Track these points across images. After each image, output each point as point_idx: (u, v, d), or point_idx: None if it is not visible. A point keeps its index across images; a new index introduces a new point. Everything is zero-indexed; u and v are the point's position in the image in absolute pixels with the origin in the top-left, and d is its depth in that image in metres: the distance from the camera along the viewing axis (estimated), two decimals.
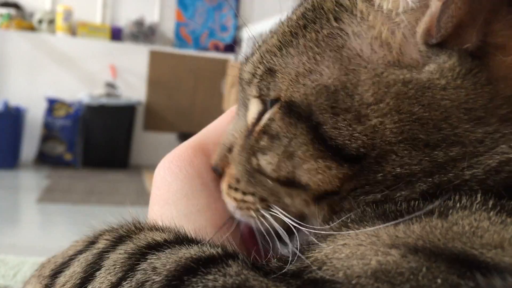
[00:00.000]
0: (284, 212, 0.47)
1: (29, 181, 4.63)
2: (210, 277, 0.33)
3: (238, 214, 0.51)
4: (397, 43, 0.40)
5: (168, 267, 0.35)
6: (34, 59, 5.11)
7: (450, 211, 0.34)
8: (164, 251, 0.38)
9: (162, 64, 5.49)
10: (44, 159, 5.00)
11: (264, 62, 0.46)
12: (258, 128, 0.47)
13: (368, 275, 0.30)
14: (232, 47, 5.91)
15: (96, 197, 3.99)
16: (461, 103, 0.37)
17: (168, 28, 5.78)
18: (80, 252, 0.43)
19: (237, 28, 5.91)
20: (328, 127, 0.41)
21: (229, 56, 5.69)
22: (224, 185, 0.53)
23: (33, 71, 5.11)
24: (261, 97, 0.47)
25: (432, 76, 0.38)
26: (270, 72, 0.45)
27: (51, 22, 5.23)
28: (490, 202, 0.34)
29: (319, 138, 0.41)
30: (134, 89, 5.43)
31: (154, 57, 5.48)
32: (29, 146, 4.98)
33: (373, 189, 0.40)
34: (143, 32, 5.51)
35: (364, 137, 0.39)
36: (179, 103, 5.57)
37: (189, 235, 0.43)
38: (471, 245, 0.30)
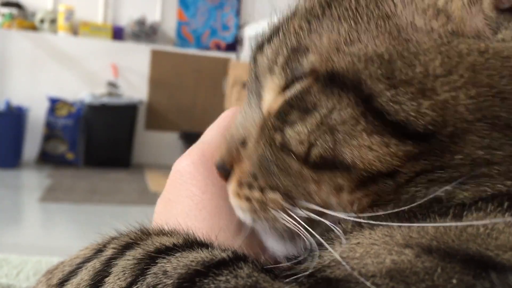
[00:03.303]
0: (310, 209, 0.41)
1: (31, 181, 4.63)
2: (222, 278, 0.33)
3: (249, 218, 0.45)
4: (456, 10, 0.36)
5: (179, 270, 0.35)
6: (36, 59, 5.11)
7: (465, 212, 0.33)
8: (174, 255, 0.38)
9: (163, 63, 5.49)
10: (46, 158, 5.01)
11: (288, 42, 0.42)
12: (283, 101, 0.42)
13: (382, 274, 0.30)
14: (233, 46, 5.90)
15: (98, 196, 3.99)
16: None
17: (170, 27, 5.78)
18: (88, 260, 0.43)
19: (239, 27, 5.91)
20: (384, 100, 0.36)
21: (231, 55, 5.68)
22: (232, 185, 0.46)
23: (35, 71, 5.11)
24: (287, 79, 0.42)
25: (510, 44, 0.35)
26: (298, 49, 0.41)
27: (53, 21, 5.24)
28: (505, 204, 0.33)
29: (374, 111, 0.37)
30: (135, 88, 5.43)
31: (156, 56, 5.48)
32: (31, 146, 4.99)
33: (447, 178, 0.36)
34: (144, 32, 5.50)
35: (433, 113, 0.35)
36: (181, 102, 5.57)
37: (198, 239, 0.43)
38: (486, 246, 0.30)
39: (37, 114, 5.01)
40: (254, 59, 0.47)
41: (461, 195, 0.35)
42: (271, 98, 0.44)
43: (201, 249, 0.39)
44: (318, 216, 0.41)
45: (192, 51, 5.68)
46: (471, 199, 0.35)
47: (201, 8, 5.84)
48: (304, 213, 0.41)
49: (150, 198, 4.11)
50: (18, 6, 5.23)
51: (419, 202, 0.36)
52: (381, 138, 0.37)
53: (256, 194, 0.44)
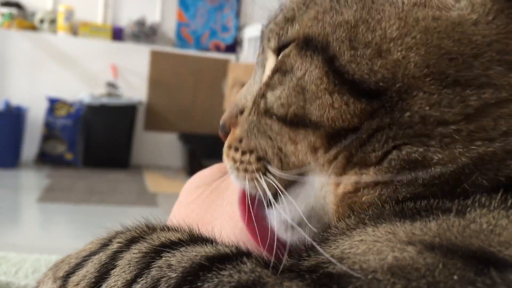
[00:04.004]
0: (276, 177, 0.46)
1: (30, 181, 4.63)
2: (225, 273, 0.34)
3: (234, 176, 0.50)
4: None
5: (183, 264, 0.36)
6: (35, 59, 5.11)
7: (468, 209, 0.34)
8: (179, 249, 0.39)
9: (163, 64, 5.50)
10: (45, 158, 5.00)
11: (285, 15, 0.47)
12: (271, 69, 0.47)
13: (384, 270, 0.30)
14: (233, 47, 5.91)
15: (97, 197, 3.99)
16: (492, 41, 0.36)
17: (169, 28, 5.79)
18: (94, 253, 0.44)
19: (238, 28, 5.91)
20: (344, 61, 0.40)
21: (230, 57, 5.69)
22: (225, 145, 0.52)
23: (34, 71, 5.11)
24: (278, 46, 0.47)
25: (462, 12, 0.37)
26: (289, 20, 0.46)
27: (53, 21, 5.24)
28: (510, 201, 0.34)
29: (335, 71, 0.40)
30: (135, 89, 5.43)
31: (155, 57, 5.48)
32: (30, 146, 4.98)
33: (402, 135, 0.38)
34: (144, 32, 5.51)
35: (384, 70, 0.38)
36: (180, 103, 5.58)
37: (203, 235, 0.44)
38: (489, 243, 0.30)
39: (36, 114, 5.01)
40: (262, 33, 0.52)
41: (435, 157, 0.37)
42: (270, 66, 0.48)
43: (205, 244, 0.40)
44: (292, 182, 0.45)
45: (192, 52, 5.69)
46: (448, 163, 0.37)
47: (200, 9, 5.85)
48: (271, 178, 0.46)
49: (149, 199, 4.11)
50: (18, 6, 5.23)
51: (392, 159, 0.39)
52: (341, 97, 0.40)
53: (238, 155, 0.49)
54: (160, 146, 5.50)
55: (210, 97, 5.55)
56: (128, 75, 5.42)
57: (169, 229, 0.46)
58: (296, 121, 0.43)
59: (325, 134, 0.41)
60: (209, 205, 0.58)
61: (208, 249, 0.38)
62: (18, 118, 4.76)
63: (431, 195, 0.38)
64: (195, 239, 0.42)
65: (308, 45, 0.43)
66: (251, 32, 5.02)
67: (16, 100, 4.90)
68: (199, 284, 0.33)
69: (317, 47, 0.42)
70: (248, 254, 0.38)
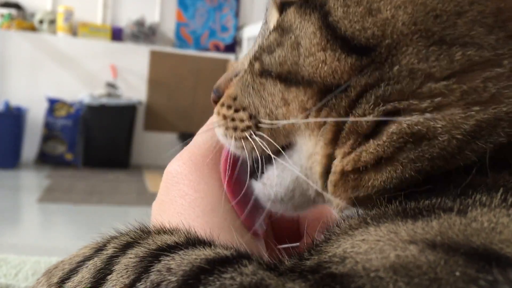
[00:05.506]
0: (265, 140, 0.47)
1: (30, 181, 4.64)
2: (227, 275, 0.33)
3: (221, 133, 0.51)
4: None
5: (183, 267, 0.35)
6: (35, 59, 5.12)
7: (469, 208, 0.34)
8: (177, 253, 0.38)
9: (162, 64, 5.50)
10: (45, 159, 5.01)
11: None
12: (272, 28, 0.47)
13: (386, 268, 0.30)
14: (232, 47, 5.91)
15: (97, 197, 4.00)
16: (473, 0, 0.37)
17: (169, 28, 5.79)
18: (88, 258, 0.43)
19: (238, 28, 5.91)
20: (337, 17, 0.41)
21: (230, 56, 5.69)
22: (217, 105, 0.52)
23: (34, 71, 5.12)
24: (281, 1, 0.48)
25: None
26: None
27: (52, 22, 5.24)
28: (510, 200, 0.34)
29: (328, 26, 0.42)
30: (134, 89, 5.44)
31: (155, 57, 5.48)
32: (30, 146, 4.99)
33: (390, 94, 0.39)
34: (143, 32, 5.51)
35: (374, 28, 0.40)
36: (180, 103, 5.58)
37: (200, 237, 0.43)
38: (491, 240, 0.30)
39: (36, 115, 5.01)
40: (268, 1, 0.52)
41: (438, 125, 0.38)
42: (271, 25, 0.49)
43: (203, 247, 0.39)
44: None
45: (191, 52, 5.69)
46: (453, 129, 0.38)
47: (200, 9, 5.85)
48: (266, 125, 0.47)
49: (149, 199, 4.11)
50: (17, 6, 5.24)
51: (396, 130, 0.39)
52: (333, 53, 0.41)
53: (230, 112, 0.50)
54: (160, 146, 5.50)
55: (210, 97, 5.53)
56: (128, 75, 5.42)
57: (164, 232, 0.45)
58: (289, 78, 0.44)
59: (317, 91, 0.43)
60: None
61: (207, 252, 0.38)
62: (18, 119, 4.77)
63: (438, 169, 0.38)
64: (192, 241, 0.41)
65: (308, 2, 0.44)
66: (250, 31, 5.02)
67: (16, 100, 4.91)
68: (200, 287, 0.33)
69: (315, 5, 0.43)
70: (248, 256, 0.37)
